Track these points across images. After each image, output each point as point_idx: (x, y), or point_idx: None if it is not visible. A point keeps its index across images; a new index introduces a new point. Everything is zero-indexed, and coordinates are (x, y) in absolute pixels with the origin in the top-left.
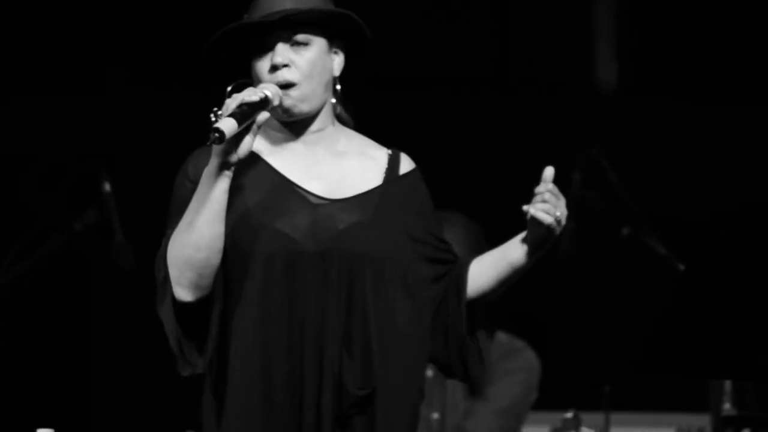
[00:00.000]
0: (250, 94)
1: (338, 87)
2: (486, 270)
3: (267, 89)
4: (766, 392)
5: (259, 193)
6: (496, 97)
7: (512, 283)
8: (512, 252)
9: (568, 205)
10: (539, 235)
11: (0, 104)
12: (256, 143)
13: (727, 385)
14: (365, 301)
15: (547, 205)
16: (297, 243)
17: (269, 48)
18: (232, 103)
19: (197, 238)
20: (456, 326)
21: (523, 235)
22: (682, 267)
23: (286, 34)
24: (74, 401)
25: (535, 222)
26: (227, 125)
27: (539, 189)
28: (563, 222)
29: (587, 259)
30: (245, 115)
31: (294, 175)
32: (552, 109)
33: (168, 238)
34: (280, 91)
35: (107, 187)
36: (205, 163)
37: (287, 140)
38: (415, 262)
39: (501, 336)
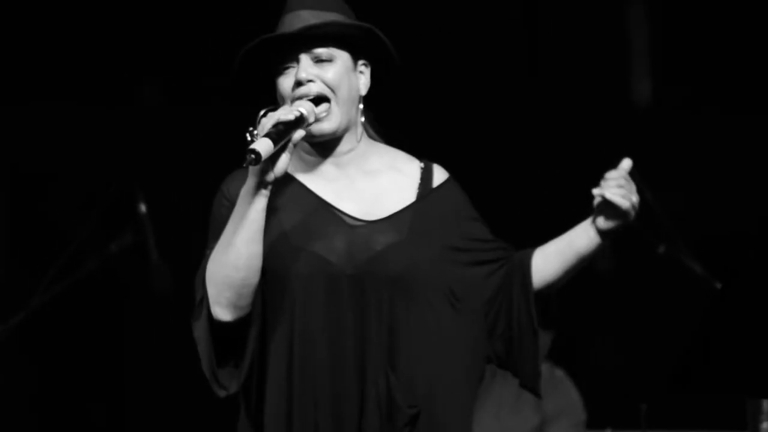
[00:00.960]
0: (286, 113)
1: (361, 106)
2: (551, 260)
3: (302, 107)
4: None
5: (296, 214)
6: (530, 113)
7: (577, 273)
8: (579, 240)
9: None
10: (612, 221)
11: (36, 122)
12: (292, 163)
13: (765, 403)
14: (407, 322)
15: (623, 189)
16: (334, 266)
17: (293, 64)
18: (267, 122)
19: (236, 258)
20: (524, 322)
21: (587, 223)
22: (718, 286)
23: (309, 48)
24: (110, 424)
25: (607, 207)
26: (263, 146)
27: (612, 174)
28: (637, 207)
29: (623, 277)
30: (281, 134)
31: (329, 197)
32: (587, 125)
33: (206, 258)
34: (315, 108)
35: (143, 208)
36: (242, 183)
37: (319, 162)
38: (461, 270)
39: (560, 376)
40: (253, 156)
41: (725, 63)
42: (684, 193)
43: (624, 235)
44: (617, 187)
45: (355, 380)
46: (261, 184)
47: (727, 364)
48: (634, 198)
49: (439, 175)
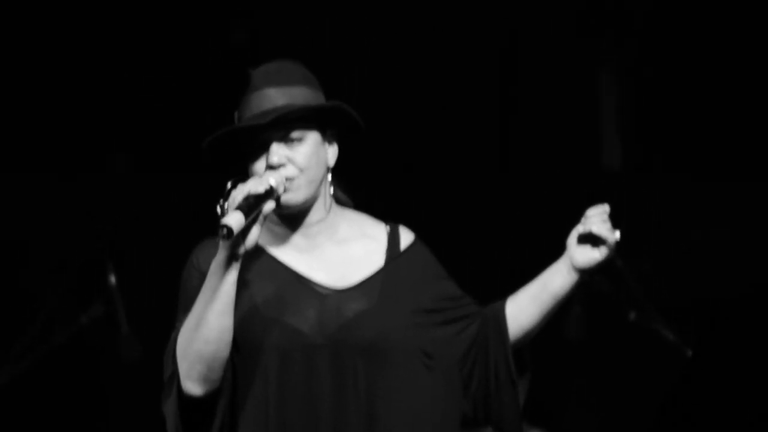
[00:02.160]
0: (256, 186)
1: (329, 177)
2: (526, 306)
3: (271, 178)
4: None
5: (267, 286)
6: (500, 179)
7: (553, 315)
8: (554, 281)
9: (575, 291)
10: (591, 258)
11: (5, 192)
12: (261, 234)
13: None
14: (383, 388)
15: (608, 224)
16: (307, 336)
17: (263, 147)
18: (238, 195)
19: (207, 331)
20: (502, 373)
21: (560, 263)
22: (689, 353)
23: (280, 132)
24: None
25: (587, 244)
26: (235, 220)
27: (593, 211)
28: (616, 243)
29: (594, 344)
30: (251, 206)
31: (299, 267)
32: (557, 190)
33: (177, 332)
34: (284, 179)
35: (113, 279)
36: (212, 254)
37: (289, 234)
38: (433, 330)
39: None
40: (225, 230)
41: (694, 129)
42: (654, 260)
43: (595, 303)
44: (601, 222)
45: None
46: (232, 257)
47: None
48: (616, 233)
49: (406, 236)
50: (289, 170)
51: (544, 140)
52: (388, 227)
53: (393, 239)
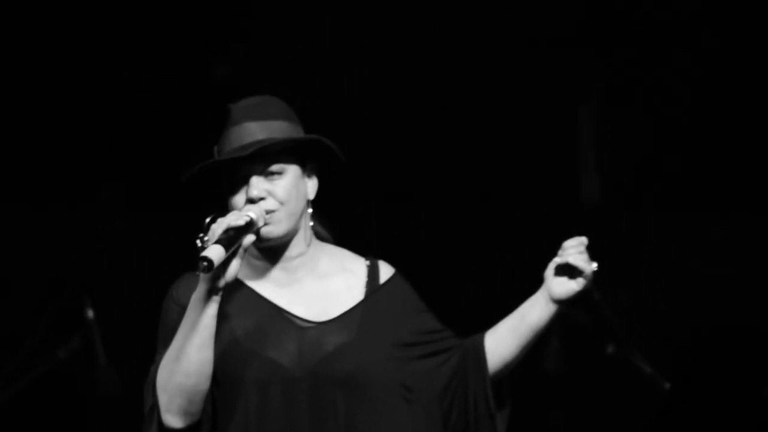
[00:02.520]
0: (236, 219)
1: (310, 210)
2: (505, 339)
3: (251, 211)
4: None
5: (247, 319)
6: (482, 210)
7: (531, 348)
8: (532, 313)
9: (552, 322)
10: (568, 289)
11: None
12: (241, 267)
13: None
14: (363, 421)
15: (585, 255)
16: (287, 369)
17: (243, 180)
18: (218, 228)
19: (187, 365)
20: (481, 406)
21: (538, 296)
22: (667, 386)
23: (260, 166)
24: None
25: (564, 275)
26: (215, 253)
27: (570, 243)
28: (593, 274)
29: (572, 377)
30: (231, 240)
31: (279, 301)
32: (534, 223)
33: (156, 365)
34: (264, 212)
35: (90, 313)
36: (192, 288)
37: (269, 267)
38: (413, 364)
39: None
40: (205, 263)
41: (670, 161)
42: (632, 292)
43: (573, 336)
44: (578, 253)
45: None
46: (212, 291)
47: None
48: (593, 264)
49: (385, 271)
50: (269, 203)
51: (523, 174)
52: (368, 262)
53: (373, 273)
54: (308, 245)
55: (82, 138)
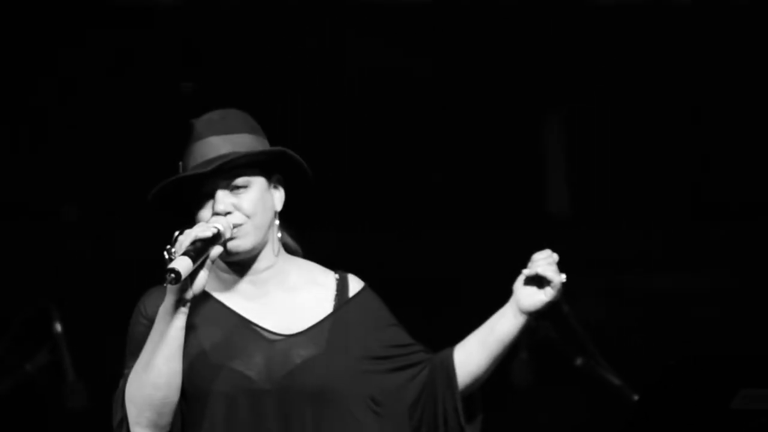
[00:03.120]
0: (203, 230)
1: (277, 222)
2: (474, 352)
3: (218, 223)
4: None
5: (215, 332)
6: (450, 228)
7: (501, 360)
8: (501, 326)
9: (520, 335)
10: (538, 300)
11: None
12: (209, 281)
13: None
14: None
15: (554, 266)
16: (254, 382)
17: (209, 195)
18: (185, 240)
19: (155, 377)
20: (451, 420)
21: (507, 308)
22: (635, 398)
23: (225, 180)
24: None
25: (533, 286)
26: (182, 264)
27: (539, 255)
28: (562, 286)
29: (541, 390)
30: (199, 251)
31: (248, 314)
32: (503, 238)
33: (125, 378)
34: (231, 225)
35: (58, 327)
36: (160, 301)
37: (237, 280)
38: (382, 377)
39: None
40: (172, 275)
41: (639, 176)
42: (601, 305)
43: (541, 349)
44: (548, 264)
45: None
46: (179, 302)
47: None
48: (562, 276)
49: (355, 284)
50: (236, 217)
51: (490, 187)
52: (337, 275)
53: (342, 286)
54: (277, 257)
55: (45, 155)
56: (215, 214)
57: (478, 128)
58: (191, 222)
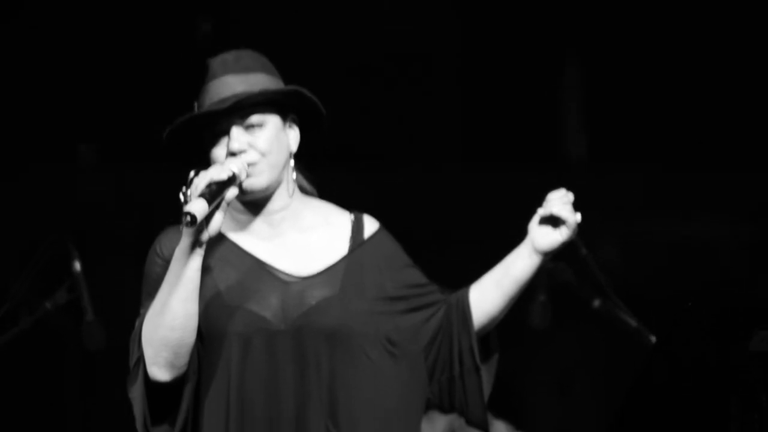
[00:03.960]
0: (218, 172)
1: (292, 162)
2: (489, 292)
3: (233, 164)
4: None
5: (230, 273)
6: (465, 169)
7: (516, 300)
8: (516, 265)
9: (538, 277)
10: (553, 240)
11: None
12: (225, 222)
13: None
14: (346, 375)
15: (569, 206)
16: (270, 323)
17: (224, 133)
18: (200, 182)
19: (172, 318)
20: (466, 359)
21: (522, 247)
22: (653, 339)
23: (240, 118)
24: None
25: (548, 226)
26: (198, 207)
27: (555, 195)
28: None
29: (559, 333)
30: (214, 194)
31: (263, 255)
32: (520, 180)
33: (142, 318)
34: (246, 165)
35: (77, 266)
36: (176, 241)
37: (252, 221)
38: (398, 318)
39: (501, 428)
40: (188, 218)
41: (657, 117)
42: (618, 248)
43: (559, 292)
44: (563, 204)
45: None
46: (195, 244)
47: (661, 416)
48: (577, 215)
49: (370, 225)
50: (250, 156)
51: (506, 129)
52: (352, 216)
53: (357, 227)
54: (291, 198)
55: (65, 93)
56: (230, 152)
57: (497, 69)
58: (206, 162)
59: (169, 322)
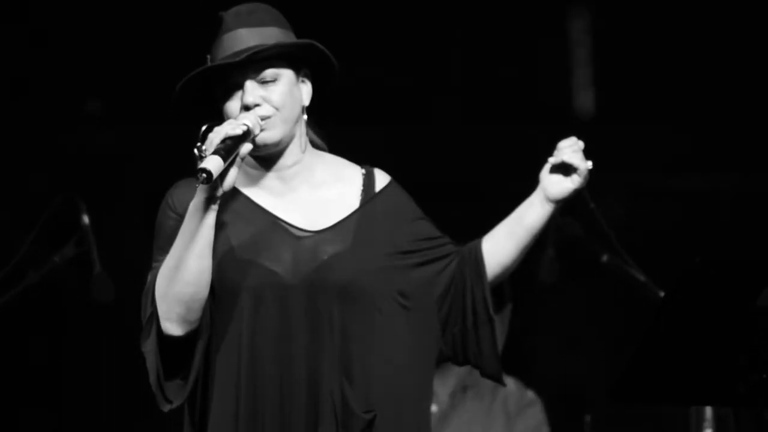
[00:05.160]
0: (233, 128)
1: (305, 117)
2: (502, 242)
3: (247, 120)
4: (746, 418)
5: (243, 227)
6: (472, 125)
7: (529, 250)
8: (528, 215)
9: (546, 233)
10: (565, 188)
11: None
12: (237, 176)
13: (708, 411)
14: (359, 330)
15: (580, 153)
16: (282, 277)
17: (237, 87)
18: (215, 138)
19: (185, 273)
20: (480, 310)
21: (534, 197)
22: (661, 294)
23: (254, 72)
24: None
25: (559, 174)
26: (213, 164)
27: (565, 143)
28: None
29: (566, 287)
30: (229, 149)
31: (275, 209)
32: (529, 136)
33: (155, 272)
34: (259, 120)
35: (86, 219)
36: (188, 195)
37: (264, 176)
38: (410, 271)
39: (511, 384)
40: (204, 175)
41: (666, 74)
42: (627, 202)
43: (568, 247)
44: (573, 152)
45: (307, 390)
46: (210, 200)
47: (669, 372)
48: (588, 162)
49: (381, 179)
50: (264, 109)
51: (514, 87)
52: (363, 170)
53: (368, 181)
54: (303, 153)
55: (65, 53)
56: (244, 106)
57: (504, 24)
58: (219, 116)
59: (183, 278)
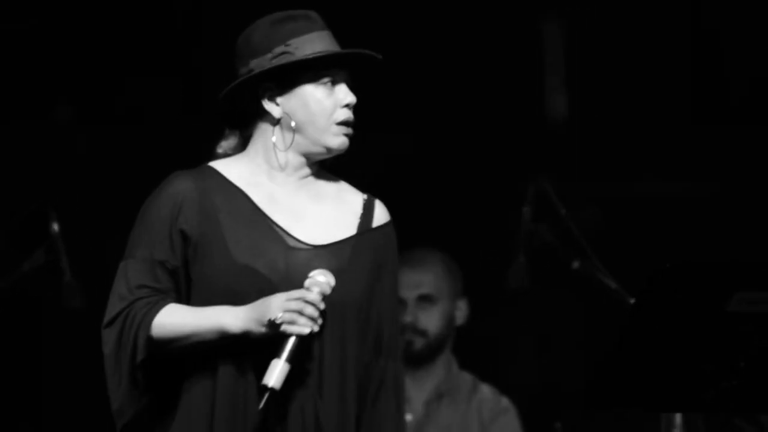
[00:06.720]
0: (300, 329)
1: None
2: None
3: (315, 325)
4: (715, 424)
5: (241, 230)
6: (446, 129)
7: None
8: None
9: (519, 239)
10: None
11: None
12: (241, 176)
13: (678, 418)
14: (333, 350)
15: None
16: (276, 286)
17: (332, 83)
18: (288, 344)
19: (178, 341)
20: None
21: None
22: (632, 300)
23: (346, 76)
24: None
25: None
26: (281, 377)
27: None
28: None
29: (537, 293)
30: (294, 351)
31: (277, 218)
32: (500, 141)
33: (135, 265)
34: (332, 283)
35: (55, 227)
36: (190, 184)
37: (271, 181)
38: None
39: (486, 391)
40: (268, 393)
41: (638, 77)
42: (598, 208)
43: (538, 254)
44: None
45: (282, 402)
46: (251, 333)
47: (640, 378)
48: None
49: (380, 214)
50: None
51: (486, 91)
52: (365, 197)
53: (368, 210)
54: (314, 165)
55: (34, 56)
56: (347, 104)
57: (476, 30)
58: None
59: (174, 342)
